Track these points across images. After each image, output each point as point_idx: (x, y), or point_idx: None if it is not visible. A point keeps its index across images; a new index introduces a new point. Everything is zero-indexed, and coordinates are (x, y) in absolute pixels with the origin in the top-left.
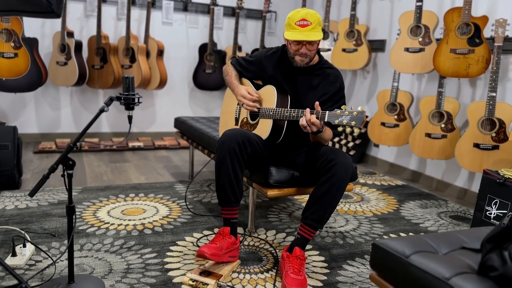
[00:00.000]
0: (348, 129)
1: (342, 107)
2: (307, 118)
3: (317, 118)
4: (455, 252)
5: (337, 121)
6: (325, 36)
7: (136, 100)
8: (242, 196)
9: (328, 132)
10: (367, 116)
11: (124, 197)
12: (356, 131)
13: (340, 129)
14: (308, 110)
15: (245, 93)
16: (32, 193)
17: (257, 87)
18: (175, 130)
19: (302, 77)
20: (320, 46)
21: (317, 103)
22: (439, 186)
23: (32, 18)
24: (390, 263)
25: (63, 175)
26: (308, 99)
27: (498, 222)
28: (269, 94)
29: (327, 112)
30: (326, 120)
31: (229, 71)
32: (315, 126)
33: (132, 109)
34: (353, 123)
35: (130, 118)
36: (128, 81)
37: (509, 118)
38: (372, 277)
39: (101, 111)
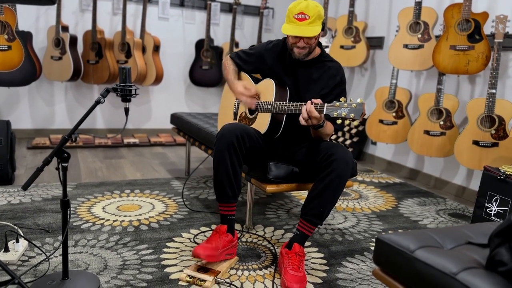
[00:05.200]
0: (347, 121)
1: (341, 99)
2: (308, 108)
3: (316, 110)
4: (461, 247)
5: (335, 113)
6: (323, 32)
7: (133, 92)
8: (240, 192)
9: (329, 127)
10: (364, 113)
11: (119, 193)
12: (355, 123)
13: (339, 121)
14: (309, 102)
15: (242, 89)
16: (25, 186)
17: (256, 81)
18: (170, 126)
19: (303, 70)
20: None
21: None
22: (437, 184)
23: (26, 7)
24: (395, 258)
25: (57, 168)
26: (308, 93)
27: (498, 219)
28: (268, 88)
29: (326, 104)
30: (324, 113)
31: (227, 65)
32: (315, 119)
33: (129, 101)
34: (352, 115)
35: (127, 110)
36: (125, 72)
37: (508, 115)
38: (376, 272)
39: (97, 102)
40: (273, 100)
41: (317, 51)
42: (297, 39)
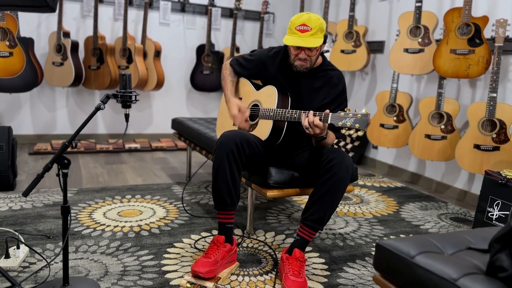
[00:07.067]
0: (352, 131)
1: (346, 109)
2: (310, 120)
3: (320, 120)
4: (461, 252)
5: (340, 123)
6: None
7: (133, 98)
8: (239, 200)
9: (331, 137)
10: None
11: (120, 198)
12: (360, 133)
13: (343, 131)
14: (311, 112)
15: (235, 112)
16: (26, 193)
17: (257, 87)
18: (172, 131)
19: (305, 79)
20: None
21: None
22: (438, 188)
23: (28, 13)
24: (395, 264)
25: (58, 175)
26: (310, 102)
27: (499, 224)
28: (270, 95)
29: (331, 113)
30: (329, 122)
31: (226, 75)
32: (318, 128)
33: (129, 107)
34: (357, 125)
35: (127, 116)
36: (125, 79)
37: (509, 119)
38: (376, 278)
39: (97, 109)
40: (275, 107)
41: (319, 60)
42: (299, 50)
